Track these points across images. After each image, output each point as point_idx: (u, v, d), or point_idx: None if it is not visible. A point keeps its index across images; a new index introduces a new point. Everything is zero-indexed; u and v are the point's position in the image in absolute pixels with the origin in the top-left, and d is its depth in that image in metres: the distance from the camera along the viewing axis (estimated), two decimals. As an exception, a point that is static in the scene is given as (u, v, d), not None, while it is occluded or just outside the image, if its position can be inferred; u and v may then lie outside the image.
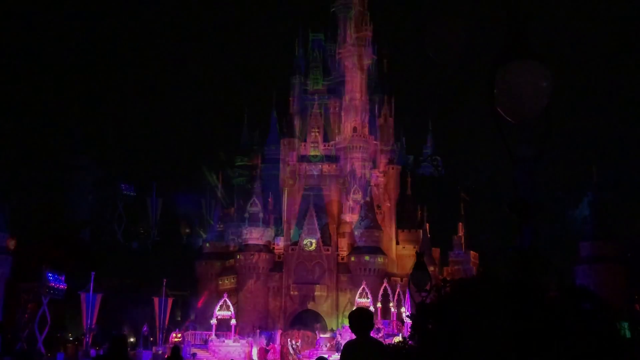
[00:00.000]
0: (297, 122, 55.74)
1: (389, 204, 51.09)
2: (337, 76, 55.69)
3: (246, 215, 47.99)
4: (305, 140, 52.84)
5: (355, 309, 5.01)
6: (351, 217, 47.83)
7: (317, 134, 52.59)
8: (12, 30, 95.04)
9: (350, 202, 48.06)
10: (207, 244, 50.92)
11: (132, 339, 39.29)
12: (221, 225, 50.60)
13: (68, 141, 47.23)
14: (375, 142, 54.60)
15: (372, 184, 48.69)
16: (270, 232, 47.55)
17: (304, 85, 56.46)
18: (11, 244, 36.24)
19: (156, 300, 37.67)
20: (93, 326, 34.75)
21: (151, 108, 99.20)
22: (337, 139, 54.33)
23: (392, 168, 52.26)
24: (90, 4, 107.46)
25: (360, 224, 46.44)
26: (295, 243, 46.98)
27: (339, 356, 5.02)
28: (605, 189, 38.15)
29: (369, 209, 46.64)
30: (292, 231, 48.11)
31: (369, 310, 5.18)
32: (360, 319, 4.64)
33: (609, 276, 39.27)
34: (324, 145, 52.54)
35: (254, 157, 56.19)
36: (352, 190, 48.93)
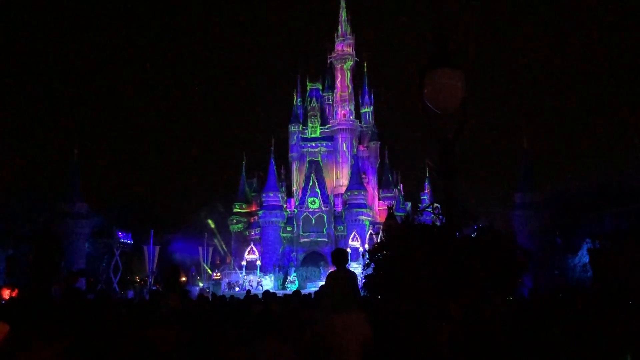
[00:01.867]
0: (295, 169, 56.39)
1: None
2: (334, 124, 56.63)
3: (243, 263, 47.69)
4: (305, 186, 53.35)
5: (335, 249, 6.55)
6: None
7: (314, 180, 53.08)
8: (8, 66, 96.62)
9: (349, 250, 48.01)
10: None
11: (183, 278, 48.77)
12: (218, 274, 50.17)
13: (66, 189, 47.16)
14: (372, 188, 55.19)
15: (372, 231, 48.59)
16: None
17: (302, 133, 57.35)
18: (6, 293, 35.72)
19: (200, 249, 49.76)
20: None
21: (150, 155, 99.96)
22: (334, 184, 55.06)
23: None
24: (85, 51, 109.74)
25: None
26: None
27: None
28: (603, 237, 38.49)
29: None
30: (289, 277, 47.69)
31: (345, 250, 6.79)
32: (338, 256, 6.31)
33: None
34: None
35: (252, 203, 56.30)
36: (350, 237, 48.95)
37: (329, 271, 6.83)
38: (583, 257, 40.99)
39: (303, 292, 12.73)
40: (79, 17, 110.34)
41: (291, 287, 42.70)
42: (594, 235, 38.19)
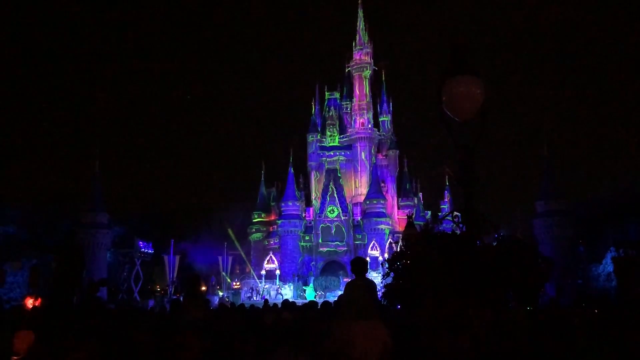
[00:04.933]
0: (313, 178, 56.44)
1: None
2: (352, 133, 56.65)
3: (263, 272, 47.74)
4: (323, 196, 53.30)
5: (355, 258, 6.54)
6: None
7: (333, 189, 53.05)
8: (30, 75, 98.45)
9: (369, 259, 47.78)
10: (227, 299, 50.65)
11: (204, 288, 48.99)
12: (238, 283, 50.32)
13: (88, 200, 47.81)
14: (390, 197, 55.10)
15: (391, 240, 48.41)
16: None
17: (320, 142, 57.42)
18: (29, 303, 36.21)
19: (220, 258, 49.95)
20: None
21: (170, 165, 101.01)
22: (353, 193, 54.97)
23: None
24: (108, 66, 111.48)
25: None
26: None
27: None
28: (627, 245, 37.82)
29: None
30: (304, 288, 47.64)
31: (365, 259, 6.67)
32: (358, 265, 6.27)
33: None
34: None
35: (271, 213, 56.40)
36: (370, 246, 48.77)
37: (348, 280, 6.84)
38: (607, 265, 40.29)
39: (323, 301, 12.73)
40: (102, 32, 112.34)
41: (309, 297, 42.63)
42: (618, 244, 37.56)
